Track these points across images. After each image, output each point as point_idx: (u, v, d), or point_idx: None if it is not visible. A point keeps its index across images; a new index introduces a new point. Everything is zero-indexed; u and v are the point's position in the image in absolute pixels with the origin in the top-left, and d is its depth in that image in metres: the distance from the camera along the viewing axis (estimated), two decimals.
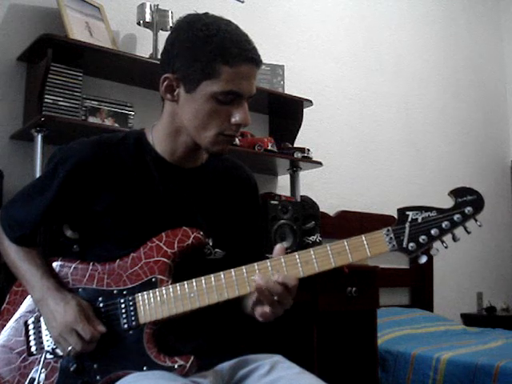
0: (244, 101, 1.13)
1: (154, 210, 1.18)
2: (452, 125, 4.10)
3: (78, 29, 2.13)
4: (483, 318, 3.88)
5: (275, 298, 1.04)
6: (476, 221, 1.04)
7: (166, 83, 1.15)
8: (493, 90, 4.52)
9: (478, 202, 1.03)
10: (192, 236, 1.14)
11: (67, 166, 1.17)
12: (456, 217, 1.03)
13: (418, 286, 3.55)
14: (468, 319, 3.87)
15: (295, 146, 2.75)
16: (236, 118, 1.12)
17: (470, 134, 4.23)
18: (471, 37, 4.38)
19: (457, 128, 4.13)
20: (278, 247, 1.08)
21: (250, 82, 1.13)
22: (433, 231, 1.03)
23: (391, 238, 1.04)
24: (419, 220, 1.03)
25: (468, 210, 1.03)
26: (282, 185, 2.90)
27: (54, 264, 1.21)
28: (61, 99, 2.04)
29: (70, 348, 1.09)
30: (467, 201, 1.03)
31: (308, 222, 2.59)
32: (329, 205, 3.12)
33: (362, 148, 3.45)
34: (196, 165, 1.26)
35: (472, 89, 4.31)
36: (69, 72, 2.07)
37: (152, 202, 1.19)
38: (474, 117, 4.28)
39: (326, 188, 3.17)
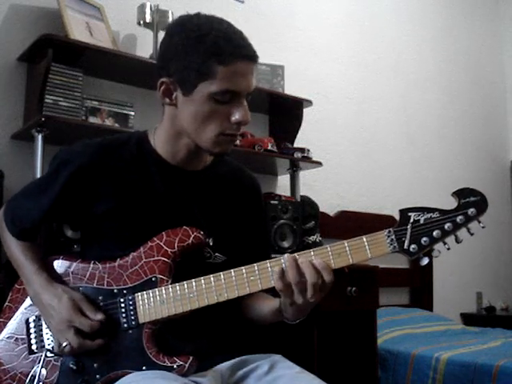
0: (242, 98, 1.12)
1: (156, 213, 1.18)
2: (452, 125, 4.10)
3: (78, 29, 2.13)
4: (483, 318, 3.88)
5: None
6: (479, 222, 1.02)
7: (163, 88, 1.15)
8: (493, 89, 4.52)
9: (481, 204, 1.01)
10: (192, 235, 1.14)
11: (69, 169, 1.17)
12: (459, 218, 1.01)
13: (417, 286, 3.55)
14: (468, 319, 3.87)
15: (295, 146, 2.74)
16: (236, 116, 1.11)
17: (470, 133, 4.23)
18: (470, 37, 4.38)
19: (456, 128, 4.13)
20: None
21: (247, 78, 1.11)
22: (435, 233, 1.01)
23: (392, 239, 1.02)
24: (421, 221, 1.01)
25: (471, 211, 1.01)
26: (282, 185, 2.90)
27: (56, 262, 1.21)
28: (61, 99, 2.03)
29: (65, 343, 1.09)
30: (470, 202, 1.01)
31: (308, 222, 2.59)
32: (329, 205, 3.12)
33: (362, 148, 3.45)
34: (198, 167, 1.25)
35: (472, 89, 4.31)
36: (69, 72, 2.07)
37: (153, 205, 1.18)
38: (473, 117, 4.28)
39: (326, 188, 3.17)
